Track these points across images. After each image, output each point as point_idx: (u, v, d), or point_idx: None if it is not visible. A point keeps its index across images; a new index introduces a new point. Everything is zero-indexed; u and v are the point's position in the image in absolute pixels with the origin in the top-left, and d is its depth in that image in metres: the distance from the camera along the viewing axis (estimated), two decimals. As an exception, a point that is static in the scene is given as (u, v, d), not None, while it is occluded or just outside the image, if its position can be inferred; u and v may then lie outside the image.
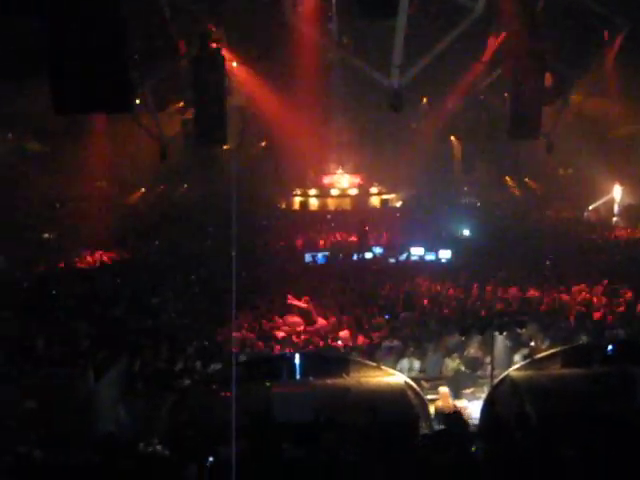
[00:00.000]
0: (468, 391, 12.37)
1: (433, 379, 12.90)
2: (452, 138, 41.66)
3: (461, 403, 11.83)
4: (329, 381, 10.74)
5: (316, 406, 9.41)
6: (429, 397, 11.92)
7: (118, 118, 26.34)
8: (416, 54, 19.02)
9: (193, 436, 9.10)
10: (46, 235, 30.94)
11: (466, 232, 29.07)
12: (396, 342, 14.16)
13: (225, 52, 23.86)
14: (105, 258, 26.42)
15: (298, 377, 11.01)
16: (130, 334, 14.80)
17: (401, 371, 12.27)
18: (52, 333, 14.68)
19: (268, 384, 10.23)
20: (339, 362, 11.49)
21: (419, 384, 11.74)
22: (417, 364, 13.35)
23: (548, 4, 21.28)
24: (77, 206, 33.65)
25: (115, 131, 31.92)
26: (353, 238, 28.59)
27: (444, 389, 11.91)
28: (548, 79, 22.45)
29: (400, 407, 10.04)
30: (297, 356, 11.27)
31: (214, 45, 22.82)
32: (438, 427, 10.24)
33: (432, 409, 11.56)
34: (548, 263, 22.44)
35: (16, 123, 30.07)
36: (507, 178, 41.72)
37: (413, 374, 12.78)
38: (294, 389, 10.27)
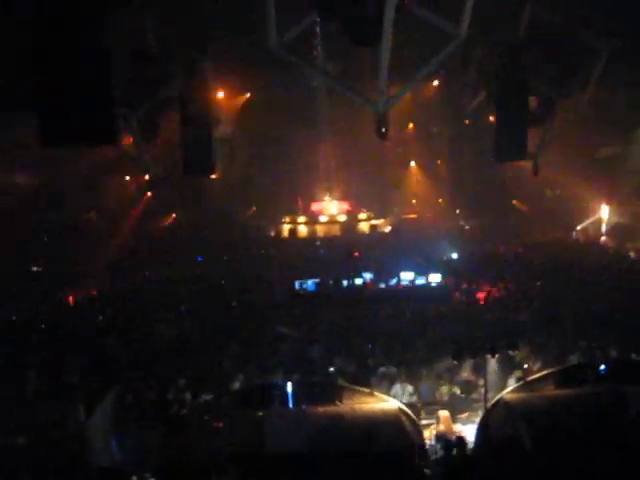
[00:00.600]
0: (463, 415, 12.32)
1: (428, 403, 12.86)
2: (438, 162, 41.96)
3: (456, 427, 11.78)
4: (322, 408, 10.66)
5: (309, 434, 9.34)
6: (425, 422, 11.90)
7: (106, 149, 26.36)
8: (401, 79, 19.14)
9: (186, 467, 9.01)
10: (35, 268, 30.77)
11: (454, 255, 29.04)
12: (392, 368, 14.11)
13: (211, 82, 23.97)
14: (93, 292, 26.30)
15: (290, 405, 10.93)
16: (121, 366, 14.69)
17: (394, 397, 12.20)
18: (42, 367, 14.55)
19: (260, 413, 10.14)
20: (332, 389, 11.42)
21: (414, 409, 11.69)
22: (410, 389, 13.30)
23: (531, 27, 21.50)
24: (65, 238, 33.50)
25: (103, 162, 31.89)
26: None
27: (444, 413, 11.87)
28: (533, 101, 22.63)
29: (394, 433, 9.97)
30: (289, 384, 11.19)
31: (200, 75, 22.91)
32: (439, 452, 10.19)
33: (431, 433, 11.54)
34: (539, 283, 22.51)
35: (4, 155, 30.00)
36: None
37: (406, 399, 12.72)
38: (286, 417, 10.18)
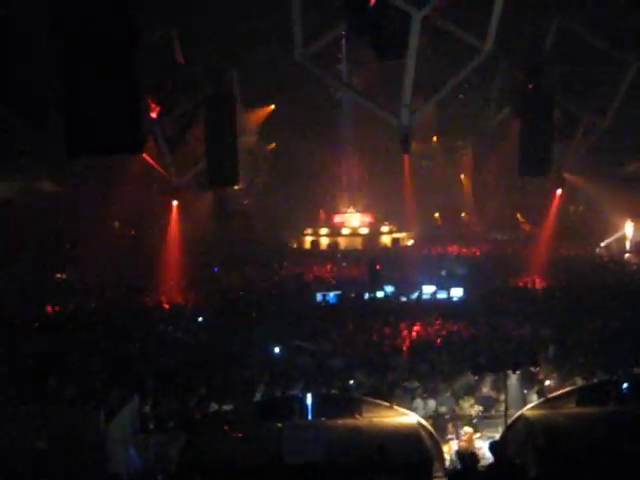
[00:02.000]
0: (483, 431, 12.24)
1: (448, 419, 12.80)
2: (462, 176, 41.91)
3: (477, 443, 11.71)
4: (341, 421, 10.65)
5: (328, 446, 9.33)
6: (449, 437, 11.87)
7: (131, 159, 26.59)
8: (426, 94, 19.20)
9: (204, 477, 9.02)
10: (59, 275, 31.02)
11: (462, 270, 28.61)
12: (412, 382, 14.07)
13: (237, 94, 24.18)
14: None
15: (310, 417, 10.93)
16: (143, 373, 14.78)
17: (414, 411, 12.15)
18: (65, 372, 14.68)
19: (280, 424, 10.15)
20: (351, 402, 11.39)
21: (435, 424, 11.65)
22: (431, 403, 13.25)
23: (557, 41, 21.50)
24: (89, 246, 33.77)
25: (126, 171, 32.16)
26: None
27: (468, 429, 11.83)
28: (558, 116, 22.59)
29: (413, 448, 9.92)
30: (309, 396, 11.19)
31: (226, 87, 23.13)
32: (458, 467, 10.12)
33: (451, 449, 11.48)
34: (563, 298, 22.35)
35: (31, 163, 30.35)
36: (518, 215, 41.66)
37: (426, 414, 12.66)
38: (306, 430, 10.17)
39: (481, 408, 13.24)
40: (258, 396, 13.53)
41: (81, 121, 10.75)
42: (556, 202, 30.60)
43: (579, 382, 13.36)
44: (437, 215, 44.12)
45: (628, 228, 34.28)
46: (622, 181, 32.65)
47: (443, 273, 27.72)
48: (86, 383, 14.10)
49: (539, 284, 25.77)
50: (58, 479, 9.20)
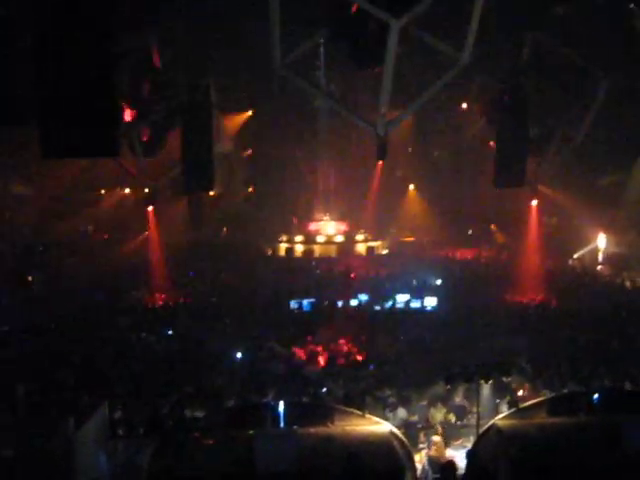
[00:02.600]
0: (455, 440, 12.27)
1: (420, 428, 12.82)
2: (437, 186, 42.06)
3: (448, 452, 11.73)
4: (313, 430, 10.60)
5: (300, 455, 9.28)
6: (417, 446, 11.87)
7: (103, 162, 26.46)
8: (402, 103, 19.28)
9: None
10: (30, 278, 30.66)
11: (438, 281, 28.71)
12: (385, 391, 14.07)
13: (213, 99, 24.11)
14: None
15: (282, 425, 10.87)
16: (111, 381, 14.63)
17: (387, 420, 12.14)
18: (32, 381, 14.47)
19: (251, 432, 10.08)
20: (323, 410, 11.35)
21: (407, 433, 11.65)
22: (403, 412, 13.25)
23: (532, 56, 21.72)
24: (60, 250, 33.46)
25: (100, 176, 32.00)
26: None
27: (437, 438, 11.84)
28: (533, 129, 22.81)
29: (385, 457, 9.89)
30: (281, 404, 11.13)
31: (202, 92, 23.05)
32: (430, 476, 10.14)
33: (422, 458, 11.50)
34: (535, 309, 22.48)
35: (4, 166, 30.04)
36: (492, 226, 41.91)
37: (399, 423, 12.66)
38: (278, 438, 10.11)
39: (453, 417, 13.29)
40: (230, 403, 13.45)
41: (57, 123, 10.69)
42: (534, 214, 30.71)
43: (550, 393, 13.44)
44: (412, 224, 44.22)
45: (601, 240, 34.60)
46: (595, 193, 33.01)
47: (415, 283, 27.78)
48: (54, 389, 13.93)
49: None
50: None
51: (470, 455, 10.55)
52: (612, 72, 22.68)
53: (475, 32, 17.51)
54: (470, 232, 41.95)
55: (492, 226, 41.64)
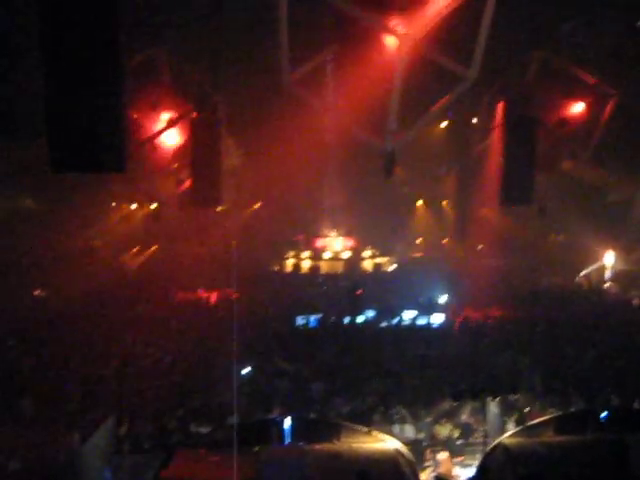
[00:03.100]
0: (461, 458, 12.20)
1: (427, 445, 12.75)
2: (444, 203, 42.09)
3: (455, 470, 11.66)
4: (319, 446, 10.56)
5: (306, 472, 9.24)
6: (424, 464, 11.81)
7: (114, 179, 26.51)
8: (410, 119, 19.32)
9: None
10: (37, 292, 30.71)
11: (444, 299, 28.64)
12: (393, 408, 14.02)
13: (221, 115, 24.21)
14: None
15: (287, 442, 10.83)
16: (117, 395, 14.62)
17: (393, 436, 12.09)
18: (39, 393, 14.48)
19: (257, 448, 10.05)
20: (329, 427, 11.31)
21: (414, 450, 11.59)
22: (409, 429, 13.20)
23: (540, 72, 21.78)
24: (68, 264, 33.47)
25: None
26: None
27: (444, 455, 11.77)
28: (542, 146, 22.77)
29: (391, 474, 9.85)
30: (287, 420, 11.10)
31: (210, 108, 23.16)
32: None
33: (428, 476, 11.43)
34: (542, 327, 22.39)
35: (13, 181, 30.12)
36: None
37: (405, 440, 12.60)
38: (283, 454, 10.08)
39: (459, 435, 13.23)
40: (235, 419, 13.40)
41: (65, 138, 10.74)
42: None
43: (557, 411, 13.37)
44: (420, 240, 44.15)
45: (608, 257, 34.49)
46: (603, 210, 32.96)
47: (421, 301, 27.73)
48: (60, 404, 13.92)
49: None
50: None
51: (477, 473, 10.49)
52: (620, 88, 22.72)
53: (483, 48, 17.57)
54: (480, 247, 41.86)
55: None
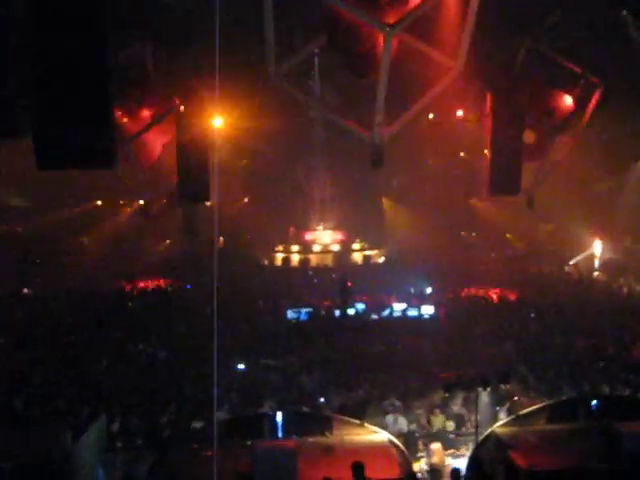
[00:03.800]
0: (453, 448, 12.25)
1: (419, 436, 12.80)
2: (432, 194, 42.13)
3: (448, 460, 11.72)
4: (312, 439, 10.58)
5: (298, 465, 9.25)
6: (419, 454, 11.87)
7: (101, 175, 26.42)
8: (397, 112, 19.27)
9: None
10: (25, 290, 30.61)
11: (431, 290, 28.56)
12: (383, 399, 14.05)
13: (208, 109, 24.06)
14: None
15: (280, 436, 10.85)
16: (109, 393, 14.59)
17: (385, 428, 12.12)
18: (30, 392, 14.43)
19: (249, 443, 10.05)
20: (322, 420, 11.33)
21: (406, 441, 11.63)
22: (402, 421, 13.23)
23: (526, 62, 21.74)
24: (57, 261, 33.40)
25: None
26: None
27: (437, 445, 11.82)
28: (529, 136, 22.74)
29: (384, 465, 9.87)
30: (279, 414, 11.11)
31: (197, 102, 23.00)
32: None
33: (421, 466, 11.48)
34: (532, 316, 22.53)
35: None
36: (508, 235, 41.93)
37: (397, 431, 12.63)
38: (276, 448, 10.08)
39: (452, 425, 13.27)
40: (228, 414, 13.40)
41: (51, 134, 10.69)
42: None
43: (548, 399, 13.43)
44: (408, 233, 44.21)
45: (596, 247, 34.66)
46: (591, 199, 33.10)
47: (412, 291, 27.83)
48: (52, 402, 13.87)
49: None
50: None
51: (470, 462, 10.55)
52: (606, 78, 22.72)
53: (469, 39, 17.53)
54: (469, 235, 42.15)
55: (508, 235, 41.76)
